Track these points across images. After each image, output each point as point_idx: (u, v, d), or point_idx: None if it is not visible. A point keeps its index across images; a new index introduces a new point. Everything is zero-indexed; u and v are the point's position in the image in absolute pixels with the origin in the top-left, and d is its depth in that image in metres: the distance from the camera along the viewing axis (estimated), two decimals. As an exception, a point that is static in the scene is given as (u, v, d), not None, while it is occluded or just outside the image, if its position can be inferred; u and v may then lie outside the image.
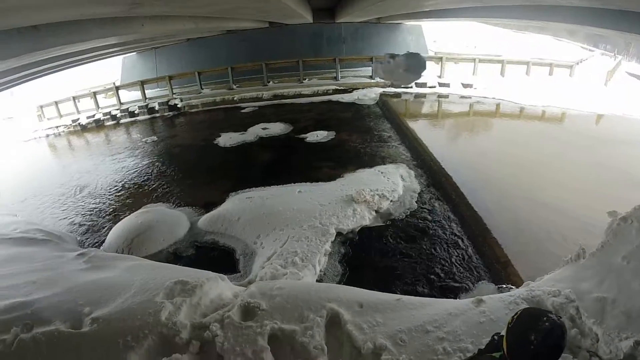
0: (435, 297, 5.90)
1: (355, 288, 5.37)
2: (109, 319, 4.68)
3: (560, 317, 2.07)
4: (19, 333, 4.51)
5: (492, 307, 4.77)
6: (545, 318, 2.03)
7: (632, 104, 16.36)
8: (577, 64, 21.35)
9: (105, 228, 9.31)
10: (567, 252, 5.91)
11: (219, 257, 7.84)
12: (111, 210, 10.26)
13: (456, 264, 7.16)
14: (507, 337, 2.13)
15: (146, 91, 21.29)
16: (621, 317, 4.41)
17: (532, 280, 5.78)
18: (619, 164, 10.40)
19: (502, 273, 6.74)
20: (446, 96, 19.41)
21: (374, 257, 7.46)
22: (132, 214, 9.40)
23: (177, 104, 20.32)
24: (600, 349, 4.26)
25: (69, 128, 19.96)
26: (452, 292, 6.45)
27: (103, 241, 8.69)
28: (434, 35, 27.21)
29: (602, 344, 4.27)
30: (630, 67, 22.94)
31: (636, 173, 9.66)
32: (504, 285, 6.37)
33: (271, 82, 21.85)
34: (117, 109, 20.40)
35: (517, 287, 5.87)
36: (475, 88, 19.61)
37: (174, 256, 7.93)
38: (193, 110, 20.23)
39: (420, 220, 8.50)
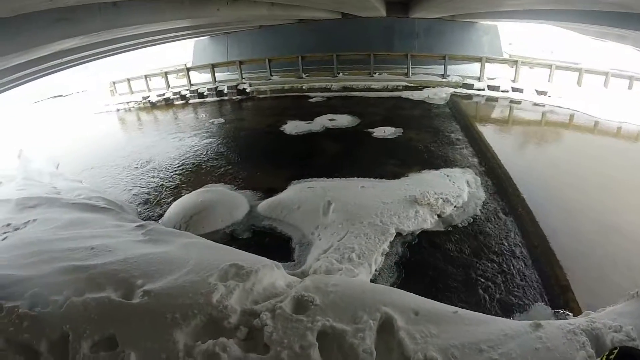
0: (487, 312, 5.61)
1: (411, 294, 5.13)
2: (160, 294, 4.66)
3: None
4: (70, 295, 4.55)
5: (549, 334, 4.41)
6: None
7: None
8: (660, 79, 20.05)
9: (166, 202, 9.44)
10: (632, 285, 5.47)
11: (275, 244, 7.72)
12: (173, 185, 10.42)
13: (513, 281, 6.79)
14: None
15: (216, 74, 21.60)
16: None
17: (591, 309, 5.38)
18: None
19: (561, 297, 6.32)
20: (519, 102, 18.55)
21: (431, 262, 7.16)
22: (192, 192, 9.48)
23: (245, 89, 20.54)
24: None
25: (139, 104, 20.64)
26: (505, 310, 6.12)
27: (162, 215, 8.80)
28: (509, 37, 26.30)
29: None
30: None
31: None
32: (561, 311, 6.00)
33: (341, 73, 21.63)
34: (187, 90, 20.88)
35: (574, 314, 5.54)
36: (549, 96, 18.59)
37: (230, 237, 7.88)
38: (261, 96, 20.39)
39: (482, 231, 8.11)
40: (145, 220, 8.09)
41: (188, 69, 21.75)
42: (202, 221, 8.18)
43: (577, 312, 5.65)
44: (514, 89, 19.30)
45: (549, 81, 19.77)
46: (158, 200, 9.68)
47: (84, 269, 5.19)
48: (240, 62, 21.44)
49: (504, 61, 21.60)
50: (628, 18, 9.82)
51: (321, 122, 15.00)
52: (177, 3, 8.29)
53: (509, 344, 4.27)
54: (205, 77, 22.39)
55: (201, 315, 4.42)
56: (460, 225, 8.23)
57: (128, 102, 20.90)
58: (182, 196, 9.41)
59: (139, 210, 9.27)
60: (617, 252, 7.31)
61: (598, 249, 7.43)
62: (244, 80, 21.17)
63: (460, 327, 4.49)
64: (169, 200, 9.54)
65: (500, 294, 6.42)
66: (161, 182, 10.64)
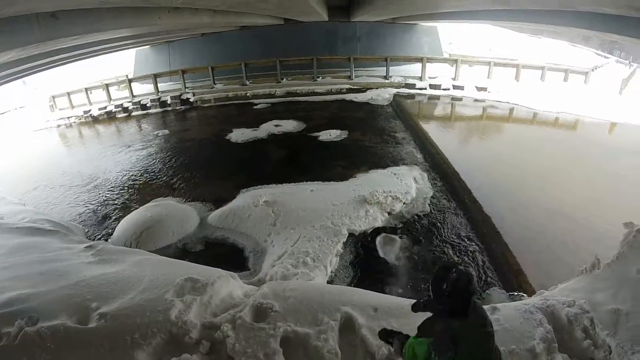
0: None
1: (369, 291, 5.28)
2: (117, 315, 4.58)
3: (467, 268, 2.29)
4: (24, 326, 4.40)
5: (506, 316, 4.67)
6: (454, 269, 2.60)
7: None
8: (592, 70, 21.11)
9: (114, 220, 9.22)
10: (581, 262, 5.81)
11: (229, 254, 7.72)
12: (120, 202, 10.18)
13: (467, 268, 7.04)
14: (431, 287, 2.75)
15: (159, 84, 21.23)
16: (635, 330, 4.39)
17: (544, 288, 5.70)
18: (634, 175, 10.22)
19: (514, 281, 6.64)
20: (460, 99, 19.28)
21: (385, 259, 7.33)
22: (141, 207, 9.31)
23: (189, 98, 20.31)
24: None
25: (80, 119, 19.92)
26: None
27: (111, 233, 8.58)
28: (449, 37, 27.07)
29: (615, 356, 4.25)
30: None
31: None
32: (516, 293, 6.28)
33: (284, 79, 21.81)
34: (129, 102, 20.38)
35: (529, 296, 5.82)
36: (489, 92, 19.41)
37: (182, 251, 7.82)
38: (205, 105, 20.22)
39: (432, 224, 8.38)
40: (94, 240, 7.91)
41: (130, 80, 21.26)
42: (152, 237, 8.07)
43: (531, 292, 5.97)
44: (455, 87, 20.06)
45: (488, 78, 20.70)
46: (106, 218, 9.44)
47: (35, 296, 5.02)
48: (183, 71, 21.19)
49: (445, 60, 22.32)
50: (565, 15, 10.30)
51: (267, 129, 15.06)
52: (118, 12, 8.13)
53: None
54: (148, 87, 21.97)
55: (161, 333, 4.37)
56: (410, 220, 8.51)
57: (69, 118, 20.11)
58: (130, 212, 9.21)
59: (86, 230, 8.99)
60: (563, 234, 7.80)
61: (545, 232, 7.91)
62: (187, 90, 20.94)
63: (421, 317, 4.61)
64: (117, 217, 9.31)
65: None
66: (108, 199, 10.36)
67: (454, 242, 7.78)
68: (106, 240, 8.26)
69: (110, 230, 8.79)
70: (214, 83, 21.62)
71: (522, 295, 6.09)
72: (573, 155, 12.12)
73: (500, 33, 29.55)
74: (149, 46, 24.71)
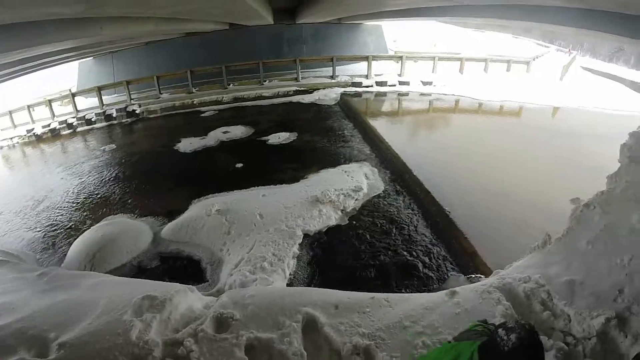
0: (407, 292, 6.04)
1: (329, 290, 5.39)
2: (77, 344, 4.50)
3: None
4: (-21, 367, 4.30)
5: (465, 298, 4.91)
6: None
7: (586, 97, 17.17)
8: (534, 60, 22.17)
9: (66, 243, 8.97)
10: (532, 240, 6.14)
11: (185, 267, 7.72)
12: (71, 223, 9.90)
13: (424, 258, 7.31)
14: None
15: (103, 97, 20.71)
16: (590, 298, 4.65)
17: (500, 268, 5.95)
18: (577, 155, 10.74)
19: (471, 264, 6.95)
20: (406, 94, 19.77)
21: (342, 256, 7.51)
22: (92, 227, 9.12)
23: (135, 110, 19.87)
24: (573, 329, 4.49)
25: (23, 139, 19.14)
26: (423, 286, 6.61)
27: (64, 258, 8.34)
28: (394, 34, 27.52)
29: (575, 323, 4.51)
30: (584, 61, 23.98)
31: (592, 164, 9.94)
32: (474, 275, 6.55)
33: (231, 84, 21.70)
34: (74, 117, 19.79)
35: (487, 276, 6.05)
36: (434, 85, 20.06)
37: (138, 269, 7.74)
38: (152, 116, 19.85)
39: (386, 218, 8.64)
40: (46, 267, 7.61)
41: (73, 95, 20.63)
42: (106, 257, 7.91)
43: (488, 273, 6.21)
44: (401, 83, 20.57)
45: (433, 72, 21.47)
46: (57, 242, 9.16)
47: (-12, 332, 4.89)
48: (128, 82, 20.77)
49: (390, 57, 22.86)
50: (511, 9, 10.75)
51: (215, 136, 15.02)
52: (61, 24, 7.96)
53: (430, 315, 4.69)
54: (93, 101, 21.33)
55: (123, 356, 4.33)
56: (364, 215, 8.74)
57: (11, 138, 19.31)
58: (81, 233, 8.97)
59: (38, 257, 8.71)
60: (513, 215, 8.25)
61: (496, 215, 8.33)
62: (133, 101, 20.53)
63: (381, 310, 4.84)
64: (68, 240, 9.05)
65: (413, 273, 6.99)
66: (57, 222, 10.05)
67: (410, 233, 8.07)
68: (59, 265, 8.04)
69: (62, 254, 8.54)
70: (160, 93, 21.28)
71: (480, 277, 6.37)
72: (518, 140, 12.69)
73: (445, 29, 30.39)
74: (92, 58, 24.07)
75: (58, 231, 9.64)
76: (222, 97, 20.37)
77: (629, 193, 5.61)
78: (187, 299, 5.30)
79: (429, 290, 6.19)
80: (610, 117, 14.97)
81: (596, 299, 4.63)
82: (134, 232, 8.72)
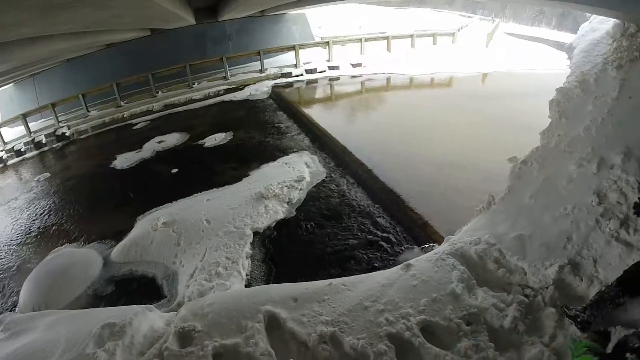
0: (364, 272, 6.12)
1: (286, 284, 5.49)
2: (42, 391, 4.38)
3: None
4: None
5: (421, 269, 5.14)
6: None
7: (514, 60, 17.98)
8: (458, 30, 22.79)
9: (15, 286, 8.57)
10: (478, 202, 6.36)
11: (141, 287, 7.62)
12: (17, 263, 9.45)
13: (376, 235, 7.57)
14: None
15: (30, 124, 19.67)
16: (541, 249, 4.99)
17: (452, 234, 6.16)
18: (508, 116, 11.17)
19: (423, 234, 7.23)
20: (337, 78, 20.02)
21: (296, 247, 7.66)
22: (40, 264, 8.79)
23: (65, 133, 19.05)
24: (529, 281, 4.78)
25: (-51, 181, 18.21)
26: (380, 264, 6.81)
27: (17, 301, 8.00)
28: (318, 21, 27.55)
29: (530, 275, 4.82)
30: (507, 27, 24.97)
31: (524, 120, 10.43)
32: (427, 245, 6.76)
33: (160, 92, 21.18)
34: (2, 150, 18.87)
35: (440, 244, 6.26)
36: (364, 66, 20.43)
37: (94, 298, 7.57)
38: (83, 136, 19.12)
39: (333, 202, 8.86)
40: (0, 315, 7.33)
41: (-3, 127, 19.65)
42: (59, 292, 7.70)
43: (441, 241, 6.44)
44: (331, 68, 20.85)
45: (361, 54, 21.90)
46: (6, 286, 8.73)
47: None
48: (53, 105, 19.77)
49: (317, 44, 22.89)
50: None
51: (150, 147, 14.73)
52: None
53: (389, 291, 4.88)
54: (20, 130, 20.26)
55: (92, 391, 4.24)
56: (310, 204, 8.94)
57: None
58: (30, 272, 8.59)
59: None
60: (457, 182, 8.62)
61: (440, 185, 8.70)
62: (61, 123, 19.63)
63: (341, 295, 4.98)
64: (18, 281, 8.64)
65: (368, 252, 7.22)
66: (2, 264, 9.61)
67: (358, 214, 8.30)
68: (13, 310, 7.76)
69: (15, 298, 8.19)
70: (88, 110, 20.45)
71: (434, 246, 6.64)
72: (453, 109, 13.09)
73: (368, 10, 30.57)
74: (12, 84, 22.96)
75: (4, 274, 9.18)
76: (153, 106, 19.90)
77: (563, 146, 5.94)
78: (147, 319, 5.23)
79: (387, 267, 6.35)
80: (538, 77, 15.71)
81: (547, 249, 4.95)
82: (82, 261, 8.52)
